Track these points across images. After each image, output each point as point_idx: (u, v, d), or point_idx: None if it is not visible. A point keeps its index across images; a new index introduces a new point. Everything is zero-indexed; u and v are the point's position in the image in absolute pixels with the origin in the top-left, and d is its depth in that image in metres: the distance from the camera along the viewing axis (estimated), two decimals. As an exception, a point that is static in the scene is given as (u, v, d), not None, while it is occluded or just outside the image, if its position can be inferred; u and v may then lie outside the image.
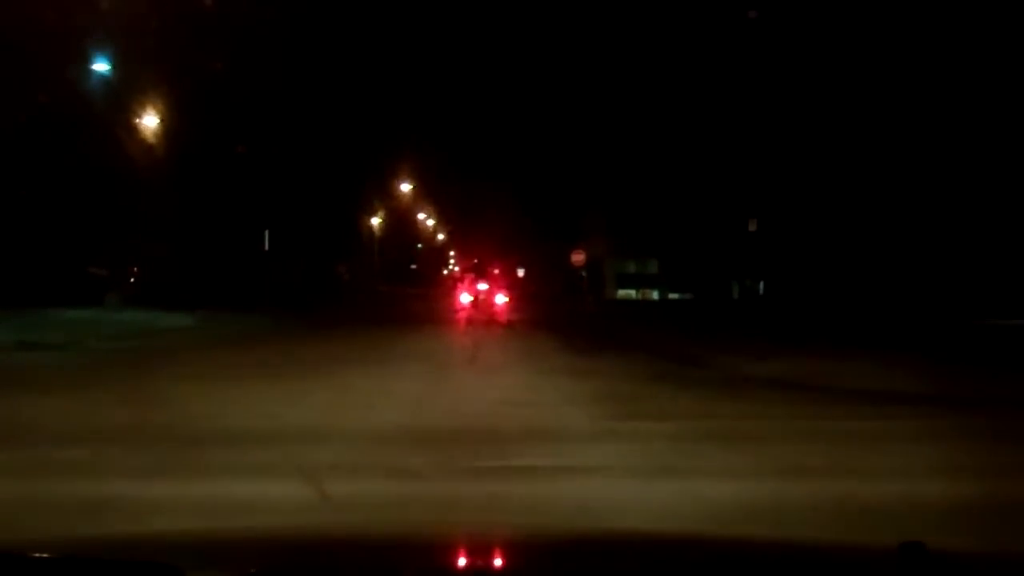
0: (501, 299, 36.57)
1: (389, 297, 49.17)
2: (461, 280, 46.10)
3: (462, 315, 33.77)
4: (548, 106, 62.17)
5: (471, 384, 11.30)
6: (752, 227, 38.17)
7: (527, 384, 10.98)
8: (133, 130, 32.47)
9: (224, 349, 15.99)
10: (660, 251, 45.63)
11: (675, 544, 2.31)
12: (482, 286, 37.96)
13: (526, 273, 75.65)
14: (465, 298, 37.20)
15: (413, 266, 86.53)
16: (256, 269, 43.33)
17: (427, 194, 71.64)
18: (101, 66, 26.85)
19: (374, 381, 10.95)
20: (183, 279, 36.96)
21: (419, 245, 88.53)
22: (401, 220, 69.86)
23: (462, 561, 2.08)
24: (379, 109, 54.91)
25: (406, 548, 2.13)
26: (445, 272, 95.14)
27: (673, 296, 44.77)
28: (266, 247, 45.43)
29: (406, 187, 58.39)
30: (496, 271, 68.18)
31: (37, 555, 1.83)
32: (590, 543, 2.29)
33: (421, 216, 74.78)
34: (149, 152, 32.45)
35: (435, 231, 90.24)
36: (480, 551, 2.15)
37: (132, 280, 37.84)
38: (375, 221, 62.29)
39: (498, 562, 2.09)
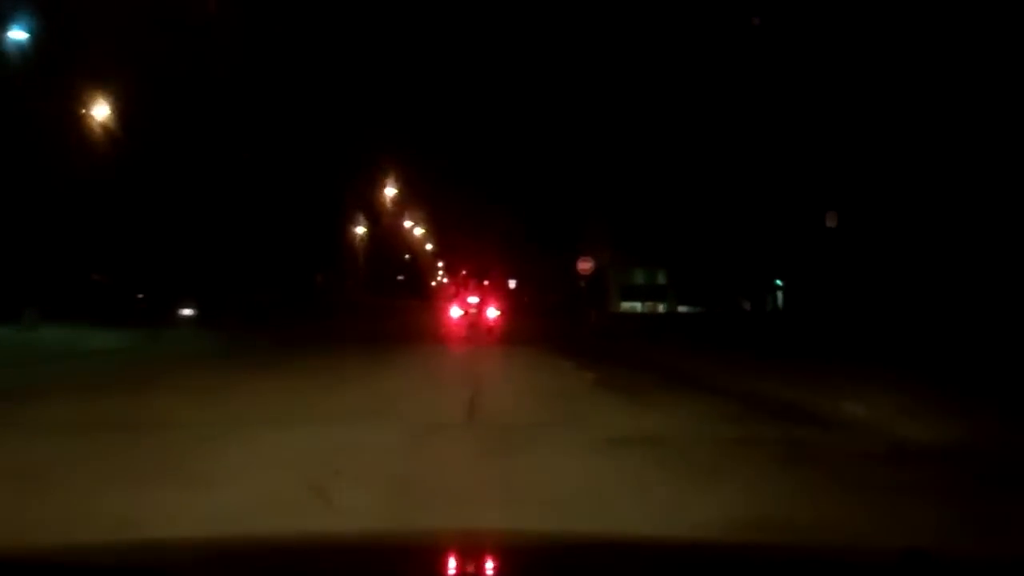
0: (493, 313, 33.21)
1: (372, 309, 45.36)
2: (451, 293, 42.62)
3: (453, 332, 30.10)
4: (543, 104, 58.78)
5: (478, 497, 5.55)
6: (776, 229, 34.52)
7: (587, 489, 5.72)
8: (75, 120, 28.59)
9: (123, 387, 11.41)
10: (669, 261, 41.77)
11: (678, 549, 2.27)
12: (473, 299, 34.53)
13: (518, 285, 72.90)
14: (455, 312, 33.67)
15: (401, 277, 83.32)
16: (224, 278, 39.61)
17: (415, 202, 68.96)
18: (18, 34, 22.90)
19: (292, 480, 5.76)
20: (133, 290, 33.20)
21: (407, 256, 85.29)
22: (388, 229, 66.38)
23: (465, 568, 2.02)
24: (364, 111, 51.62)
25: (405, 554, 2.12)
26: (434, 283, 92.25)
27: (682, 309, 41.01)
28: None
29: (391, 191, 54.61)
30: (487, 283, 65.06)
31: (36, 563, 1.84)
32: (594, 548, 2.26)
33: (408, 224, 71.11)
34: (96, 145, 28.61)
35: (424, 241, 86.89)
36: (483, 557, 2.09)
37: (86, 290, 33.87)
38: (360, 230, 58.98)
39: (502, 568, 2.02)
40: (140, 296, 32.47)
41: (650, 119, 40.40)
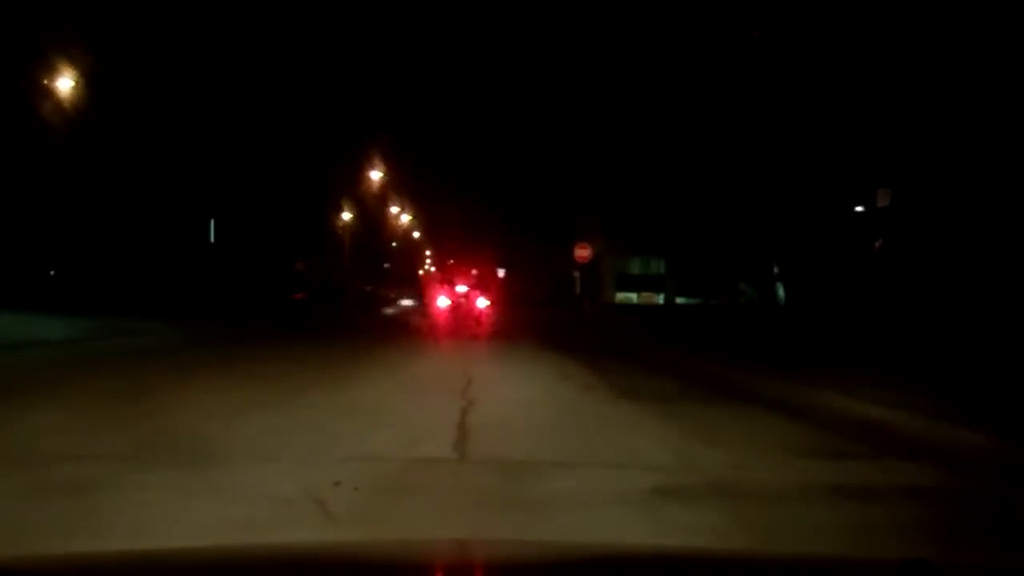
0: (482, 303, 31.40)
1: (357, 298, 43.00)
2: (439, 282, 40.69)
3: (440, 324, 27.89)
4: (534, 86, 56.43)
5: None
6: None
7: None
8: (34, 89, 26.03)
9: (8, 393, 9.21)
10: (667, 249, 39.26)
11: (677, 560, 2.23)
12: (461, 288, 32.52)
13: (508, 274, 71.49)
14: (443, 302, 31.72)
15: (387, 265, 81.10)
16: (198, 264, 37.19)
17: (401, 189, 66.77)
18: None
19: None
20: (91, 275, 30.73)
21: (394, 243, 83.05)
22: (373, 215, 63.92)
23: None
24: (350, 94, 49.15)
25: (408, 565, 2.10)
26: (422, 272, 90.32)
27: (680, 300, 38.61)
28: (211, 239, 39.52)
29: (376, 175, 52.18)
30: (475, 272, 63.39)
31: (39, 573, 1.84)
32: (596, 560, 2.23)
33: (394, 210, 68.70)
34: (55, 127, 26.05)
35: (411, 228, 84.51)
36: (485, 568, 2.08)
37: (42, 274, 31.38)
38: (346, 216, 56.59)
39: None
40: (95, 288, 30.02)
41: (645, 99, 38.13)
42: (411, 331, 24.06)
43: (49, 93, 25.69)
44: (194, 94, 35.63)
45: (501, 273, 72.49)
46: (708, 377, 12.11)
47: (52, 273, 31.50)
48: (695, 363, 14.46)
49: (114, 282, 30.45)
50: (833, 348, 16.54)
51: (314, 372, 11.83)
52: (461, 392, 9.66)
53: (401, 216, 75.06)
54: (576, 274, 36.84)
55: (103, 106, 29.13)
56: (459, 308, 30.35)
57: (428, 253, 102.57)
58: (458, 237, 77.51)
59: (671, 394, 10.14)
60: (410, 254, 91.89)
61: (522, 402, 9.30)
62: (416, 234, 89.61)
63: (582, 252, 25.25)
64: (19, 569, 1.79)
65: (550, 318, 30.12)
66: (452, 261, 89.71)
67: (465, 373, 11.79)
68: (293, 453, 6.10)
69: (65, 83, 25.49)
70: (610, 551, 2.64)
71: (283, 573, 1.98)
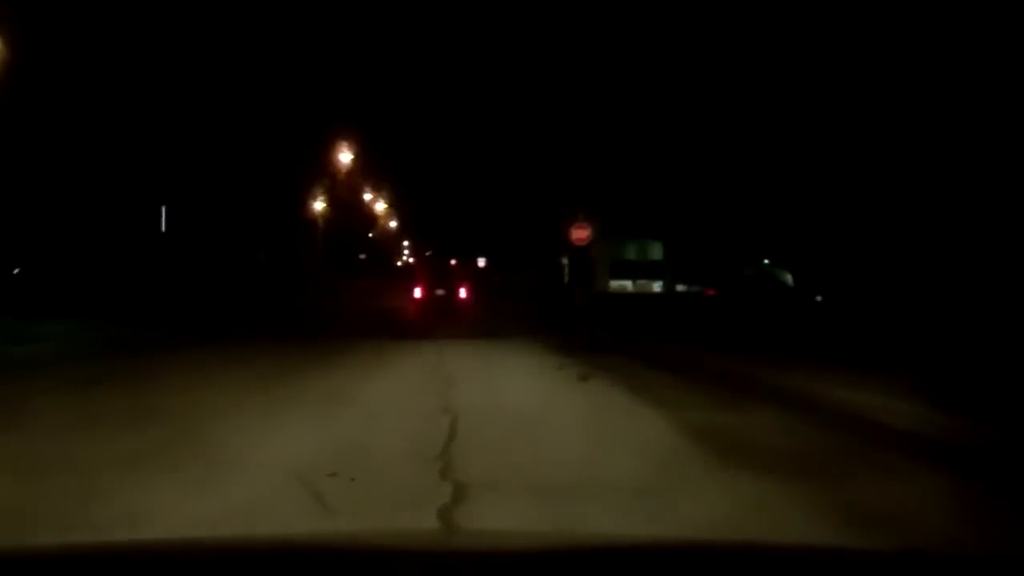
0: (462, 294, 28.45)
1: (327, 291, 39.51)
2: (414, 273, 37.49)
3: (415, 320, 24.59)
4: (515, 58, 53.01)
5: None
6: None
7: None
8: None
9: None
10: (666, 232, 35.65)
11: (671, 549, 2.20)
12: (438, 279, 29.51)
13: (489, 263, 68.55)
14: (418, 293, 28.52)
15: (363, 255, 77.89)
16: (146, 255, 33.60)
17: (377, 175, 63.69)
18: None
19: None
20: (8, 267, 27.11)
21: (371, 235, 79.93)
22: (346, 202, 60.43)
23: (463, 571, 1.96)
24: (319, 68, 45.49)
25: (404, 557, 2.04)
26: (400, 263, 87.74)
27: (681, 288, 35.17)
28: (163, 228, 35.91)
29: (347, 157, 48.65)
30: (455, 262, 60.40)
31: (32, 563, 1.82)
32: (591, 550, 2.20)
33: (368, 197, 65.23)
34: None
35: (387, 216, 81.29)
36: (480, 561, 2.00)
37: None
38: (319, 205, 53.27)
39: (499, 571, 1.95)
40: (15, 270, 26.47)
41: (641, 66, 34.90)
42: (378, 328, 20.68)
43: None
44: (144, 69, 32.17)
45: (482, 262, 69.50)
46: (778, 389, 8.81)
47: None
48: (745, 367, 11.23)
49: (36, 276, 26.80)
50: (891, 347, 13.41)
51: (255, 393, 8.41)
52: (442, 423, 6.30)
53: (376, 204, 71.80)
54: (564, 261, 33.54)
55: (33, 76, 25.59)
56: (436, 301, 27.13)
57: (406, 244, 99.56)
58: (438, 224, 74.72)
59: (757, 431, 6.73)
60: (387, 245, 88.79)
61: (529, 445, 5.94)
62: (393, 223, 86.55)
63: (580, 233, 21.80)
64: (14, 559, 1.80)
65: (537, 311, 26.97)
66: (430, 253, 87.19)
67: (445, 391, 8.42)
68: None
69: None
70: (606, 541, 2.58)
71: (276, 565, 1.92)
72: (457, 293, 27.96)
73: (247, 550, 2.07)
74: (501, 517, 4.41)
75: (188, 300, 28.08)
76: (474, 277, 36.98)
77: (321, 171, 51.85)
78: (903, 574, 1.71)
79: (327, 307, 29.47)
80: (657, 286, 36.27)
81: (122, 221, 33.12)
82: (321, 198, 53.24)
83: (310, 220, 53.80)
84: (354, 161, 54.49)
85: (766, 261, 33.84)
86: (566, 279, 33.93)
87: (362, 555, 2.02)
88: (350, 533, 3.30)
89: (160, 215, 36.15)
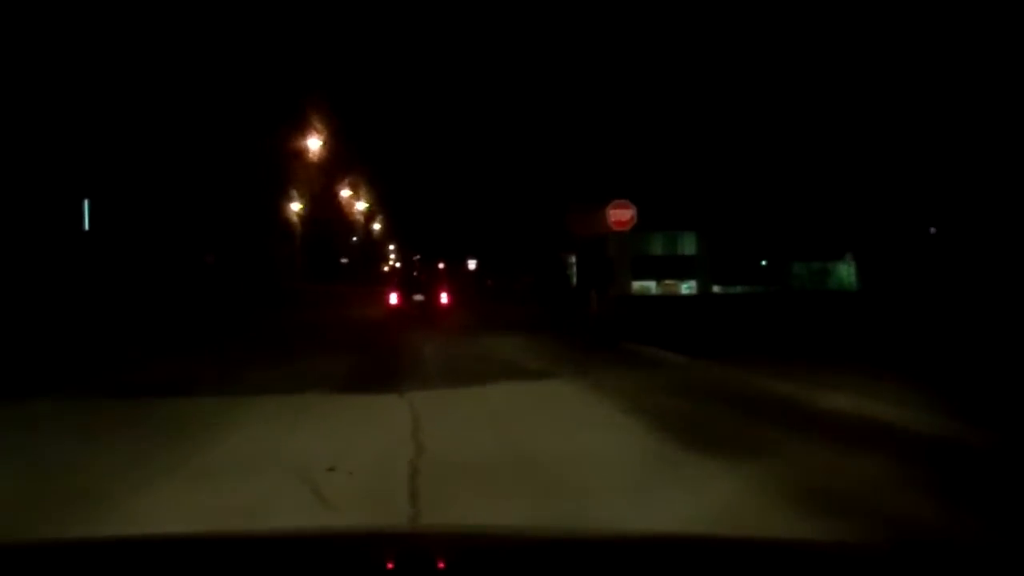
0: (444, 299, 23.51)
1: (297, 299, 33.97)
2: (390, 277, 32.78)
3: (388, 333, 19.01)
4: (519, 30, 47.56)
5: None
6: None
7: None
8: None
9: None
10: (701, 222, 29.01)
11: (667, 544, 2.19)
12: (417, 284, 24.53)
13: (479, 265, 63.79)
14: (394, 299, 23.59)
15: (344, 260, 72.64)
16: (62, 258, 27.93)
17: (358, 171, 58.75)
18: None
19: None
20: None
21: (354, 239, 74.71)
22: (323, 200, 54.92)
23: (462, 564, 1.94)
24: (287, 52, 39.91)
25: (405, 549, 2.06)
26: (387, 268, 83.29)
27: (717, 290, 28.74)
28: (86, 226, 30.27)
29: (316, 143, 42.92)
30: (442, 265, 55.39)
31: (30, 558, 1.81)
32: (590, 544, 2.18)
33: (346, 193, 59.74)
34: None
35: (370, 218, 76.04)
36: (481, 554, 2.00)
37: None
38: (296, 206, 48.35)
39: (498, 564, 1.94)
40: None
41: (670, 35, 29.19)
42: (349, 345, 14.98)
43: None
44: (59, 35, 26.65)
45: (472, 265, 64.48)
46: None
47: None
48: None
49: None
50: None
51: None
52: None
53: (356, 204, 66.34)
54: (572, 259, 28.08)
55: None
56: (416, 309, 21.88)
57: (392, 248, 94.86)
58: (424, 229, 70.23)
59: None
60: (372, 249, 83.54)
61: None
62: (377, 226, 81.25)
63: (621, 214, 15.66)
64: (14, 552, 1.78)
65: (539, 319, 21.51)
66: (418, 257, 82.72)
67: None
68: None
69: None
70: (601, 535, 2.57)
71: (271, 559, 1.88)
72: (437, 299, 22.70)
73: (247, 545, 2.06)
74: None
75: (109, 314, 22.29)
76: (463, 280, 32.56)
77: (291, 162, 46.32)
78: (896, 566, 1.73)
79: (287, 320, 23.52)
80: (686, 286, 30.03)
81: (29, 218, 27.35)
82: (296, 197, 48.16)
83: (283, 220, 48.63)
84: (328, 152, 49.04)
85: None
86: (574, 280, 28.73)
87: (373, 548, 2.02)
88: (359, 526, 3.57)
89: (83, 211, 30.42)
